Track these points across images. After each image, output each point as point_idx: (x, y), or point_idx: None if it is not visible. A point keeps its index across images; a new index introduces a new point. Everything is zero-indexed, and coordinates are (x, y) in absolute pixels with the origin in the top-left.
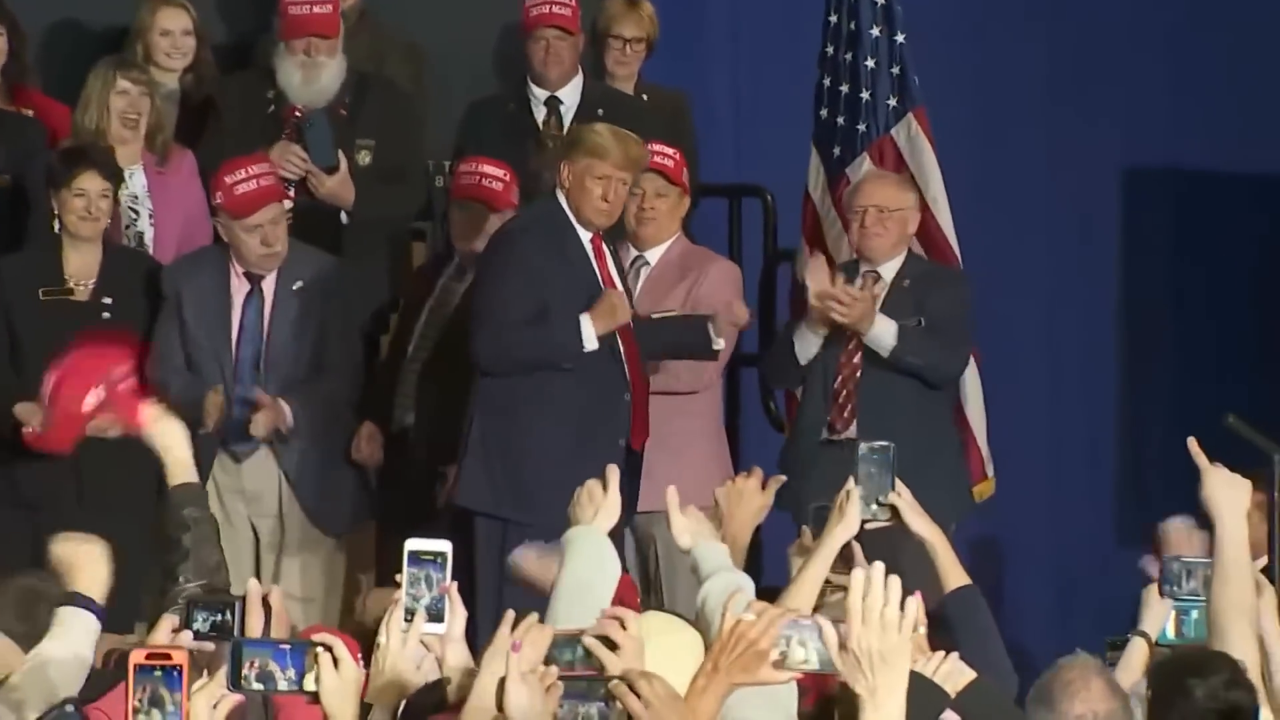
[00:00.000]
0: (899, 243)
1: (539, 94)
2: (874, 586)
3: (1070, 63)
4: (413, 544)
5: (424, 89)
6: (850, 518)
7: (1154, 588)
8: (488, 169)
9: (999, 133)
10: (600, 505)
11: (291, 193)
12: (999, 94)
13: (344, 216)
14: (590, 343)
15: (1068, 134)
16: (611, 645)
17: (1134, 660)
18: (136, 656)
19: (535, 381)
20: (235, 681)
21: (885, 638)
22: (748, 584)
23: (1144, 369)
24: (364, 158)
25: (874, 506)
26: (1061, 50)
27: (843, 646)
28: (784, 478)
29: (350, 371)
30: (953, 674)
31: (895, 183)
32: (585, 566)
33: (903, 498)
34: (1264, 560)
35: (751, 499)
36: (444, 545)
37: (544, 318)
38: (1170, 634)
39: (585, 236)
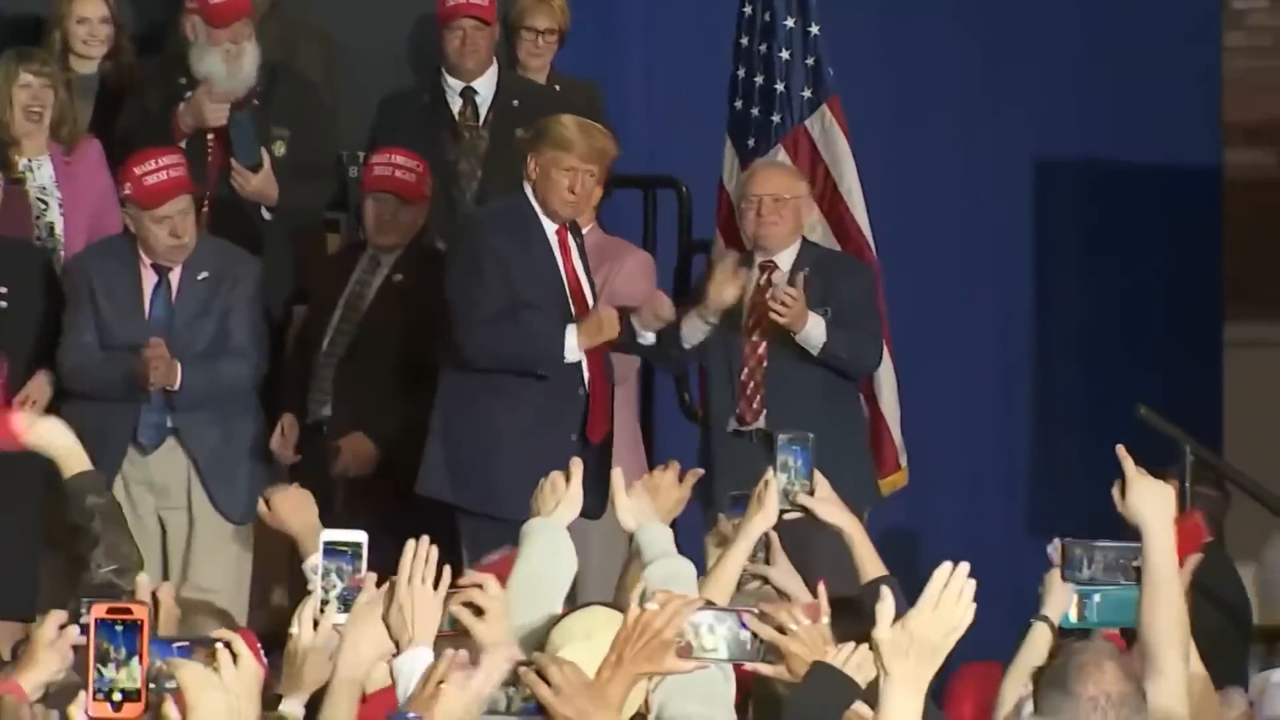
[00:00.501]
0: (794, 231)
1: (454, 85)
2: (956, 580)
3: (982, 55)
4: (327, 535)
5: (335, 79)
6: (769, 507)
7: (1056, 573)
8: (400, 160)
9: (913, 124)
10: (562, 497)
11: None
12: (913, 85)
13: (265, 213)
14: (571, 355)
15: (980, 125)
16: (478, 611)
17: (1036, 645)
18: (98, 611)
19: (493, 374)
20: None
21: (946, 633)
22: (689, 570)
23: (1056, 359)
24: (279, 148)
25: (792, 497)
26: (974, 42)
27: (898, 624)
28: (701, 471)
29: (255, 358)
30: (864, 665)
31: (788, 172)
32: (541, 559)
33: (820, 488)
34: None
35: (669, 492)
36: (359, 536)
37: (515, 312)
38: (1073, 618)
39: (551, 229)
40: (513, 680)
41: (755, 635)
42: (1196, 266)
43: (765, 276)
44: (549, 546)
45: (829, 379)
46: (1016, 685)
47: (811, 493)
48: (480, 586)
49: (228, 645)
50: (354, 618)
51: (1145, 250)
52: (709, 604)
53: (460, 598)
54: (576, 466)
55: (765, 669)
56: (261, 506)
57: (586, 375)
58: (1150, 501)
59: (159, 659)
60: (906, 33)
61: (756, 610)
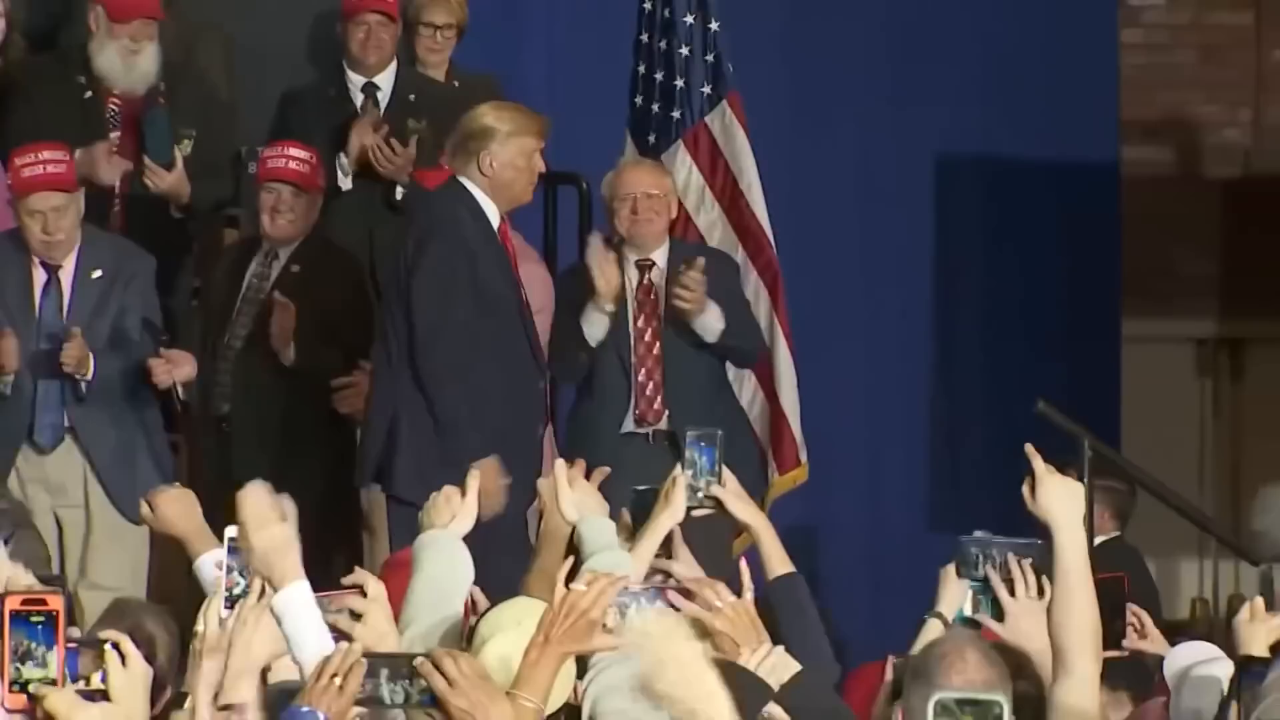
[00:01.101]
0: (667, 227)
1: (356, 80)
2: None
3: (882, 51)
4: (231, 532)
5: (234, 76)
6: (676, 504)
7: (951, 568)
8: (294, 151)
9: (812, 120)
10: (457, 509)
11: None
12: (812, 82)
13: (175, 211)
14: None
15: (880, 122)
16: (356, 615)
17: (928, 640)
18: (11, 603)
19: (453, 371)
20: (18, 681)
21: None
22: (629, 562)
23: (957, 355)
24: (186, 147)
25: (700, 494)
26: (875, 38)
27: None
28: (608, 470)
29: (145, 354)
30: (777, 667)
31: (658, 169)
32: (438, 571)
33: (728, 484)
34: None
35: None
36: None
37: (476, 323)
38: (968, 613)
39: (496, 221)
40: (409, 673)
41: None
42: (1095, 262)
43: (645, 276)
44: (446, 556)
45: (713, 374)
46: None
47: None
48: (361, 588)
49: (116, 646)
50: (240, 621)
51: (1044, 246)
52: (635, 584)
53: (339, 603)
54: (473, 478)
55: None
56: (145, 510)
57: (544, 366)
58: (1060, 500)
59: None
60: (806, 29)
61: (682, 588)
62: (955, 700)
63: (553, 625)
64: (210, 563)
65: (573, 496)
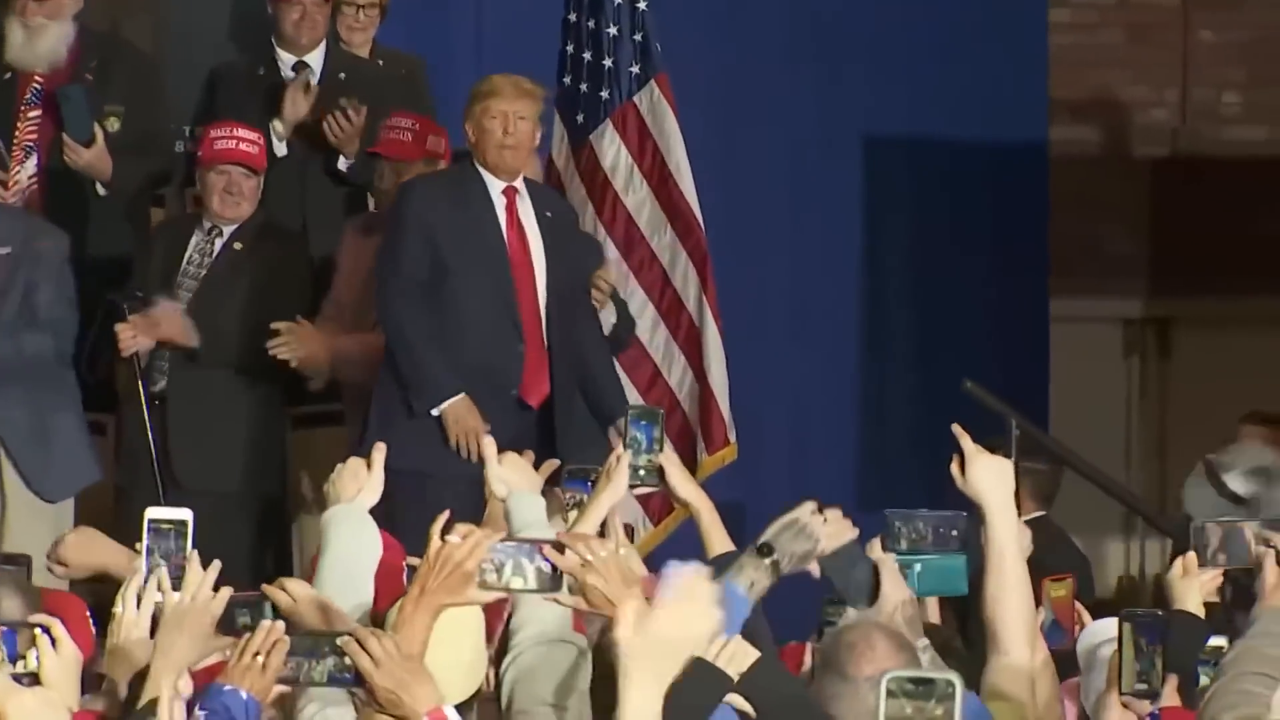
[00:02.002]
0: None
1: (286, 59)
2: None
3: (810, 30)
4: (153, 513)
5: (163, 51)
6: (618, 482)
7: (877, 543)
8: (242, 133)
9: (741, 100)
10: (364, 482)
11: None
12: (740, 61)
13: (100, 188)
14: (436, 410)
15: (808, 101)
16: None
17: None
18: None
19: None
20: None
21: (686, 637)
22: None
23: (885, 334)
24: (113, 124)
25: (641, 471)
26: (802, 18)
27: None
28: (558, 461)
29: (63, 331)
30: (736, 656)
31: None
32: (346, 546)
33: (670, 462)
34: None
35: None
36: (184, 514)
37: (441, 280)
38: None
39: (496, 189)
40: (333, 651)
41: (556, 567)
42: (1023, 242)
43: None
44: (353, 531)
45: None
46: None
47: (661, 467)
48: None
49: (47, 630)
50: (164, 624)
51: (973, 226)
52: (510, 537)
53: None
54: (379, 451)
55: (566, 600)
56: (55, 566)
57: (522, 331)
58: (990, 480)
59: None
60: (734, 8)
61: (555, 541)
62: (909, 679)
63: (428, 576)
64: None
65: (500, 473)
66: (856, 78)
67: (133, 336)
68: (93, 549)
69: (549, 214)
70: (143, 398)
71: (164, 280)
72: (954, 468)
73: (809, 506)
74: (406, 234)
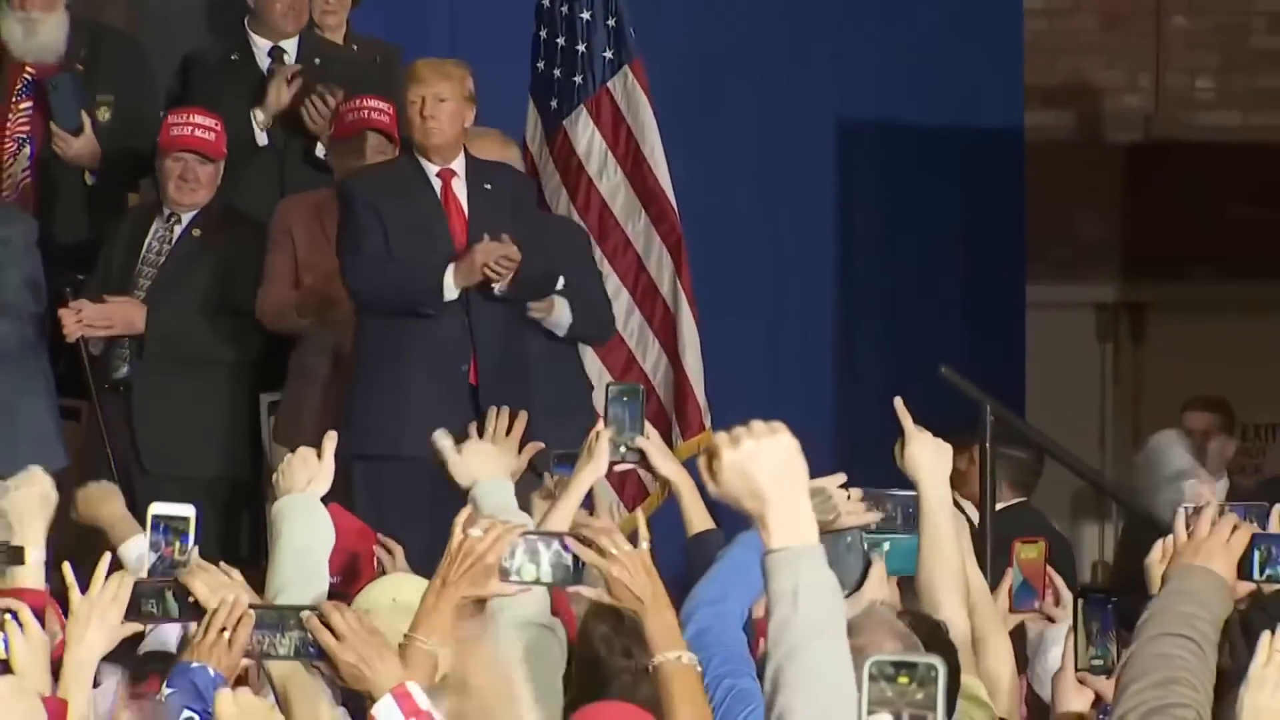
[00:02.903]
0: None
1: (261, 45)
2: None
3: (784, 15)
4: (156, 508)
5: (140, 37)
6: (599, 459)
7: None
8: (199, 119)
9: (715, 85)
10: (314, 471)
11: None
12: (715, 47)
13: (88, 177)
14: (450, 293)
15: (783, 87)
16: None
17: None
18: None
19: (384, 317)
20: None
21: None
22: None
23: (860, 320)
24: (104, 114)
25: (623, 449)
26: (775, 3)
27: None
28: (541, 445)
29: (27, 315)
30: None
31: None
32: (300, 542)
33: (651, 439)
34: None
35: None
36: (187, 510)
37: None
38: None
39: (432, 172)
40: (298, 625)
41: (577, 559)
42: (999, 228)
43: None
44: (305, 521)
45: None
46: None
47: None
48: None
49: (15, 615)
50: (73, 616)
51: (948, 212)
52: (532, 530)
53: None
54: (330, 439)
55: (588, 592)
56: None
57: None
58: (925, 457)
59: None
60: None
61: (578, 534)
62: (890, 663)
63: (450, 569)
64: (134, 548)
65: (459, 462)
66: (831, 64)
67: (76, 322)
68: (103, 506)
69: (487, 186)
70: (91, 384)
71: (125, 267)
72: (896, 447)
73: (838, 479)
74: (360, 220)
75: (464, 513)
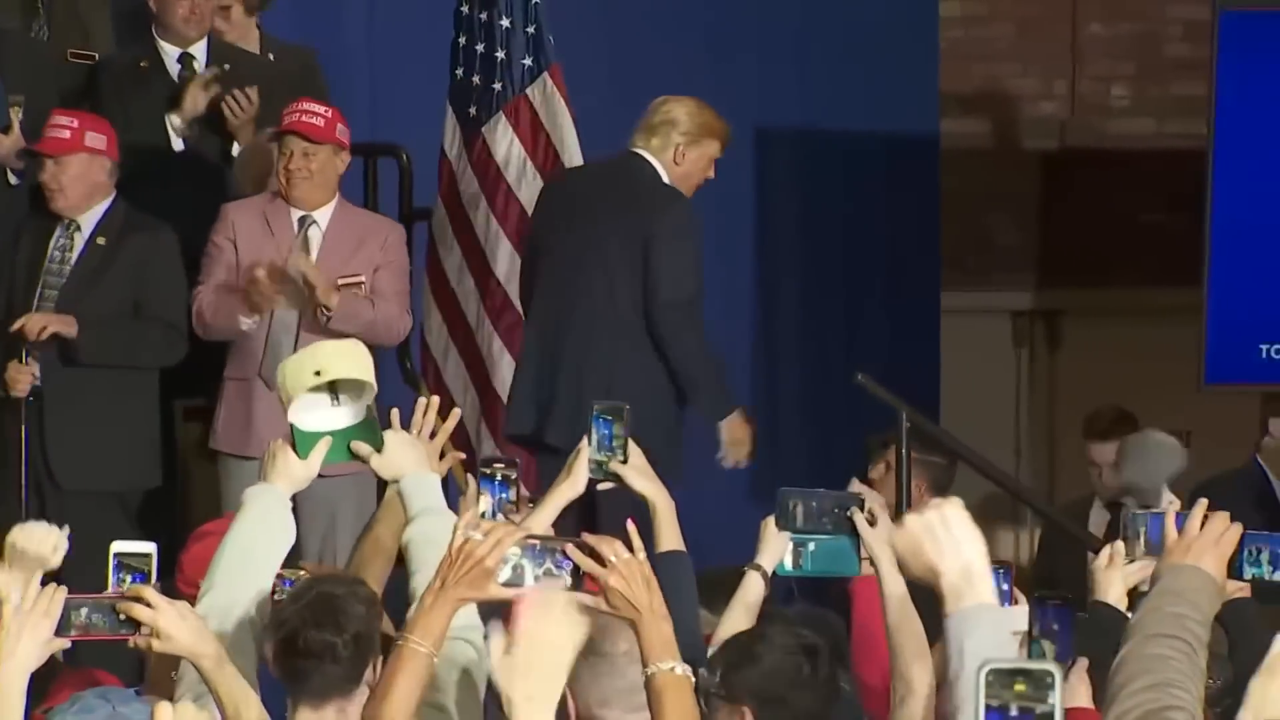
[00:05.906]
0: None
1: (170, 51)
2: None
3: (702, 22)
4: (119, 547)
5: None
6: (578, 476)
7: (771, 521)
8: (59, 119)
9: (634, 92)
10: (295, 471)
11: None
12: (633, 53)
13: (12, 177)
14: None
15: (701, 93)
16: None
17: (749, 592)
18: None
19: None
20: None
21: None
22: (449, 525)
23: (777, 326)
24: (16, 114)
25: (602, 467)
26: (694, 10)
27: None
28: (462, 455)
29: None
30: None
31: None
32: (255, 529)
33: (633, 458)
34: None
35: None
36: (148, 548)
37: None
38: (788, 566)
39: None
40: (110, 608)
41: (576, 567)
42: (915, 235)
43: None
44: (265, 515)
45: None
46: (728, 631)
47: (624, 462)
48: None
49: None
50: (6, 632)
51: (865, 218)
52: (533, 535)
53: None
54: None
55: (585, 599)
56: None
57: None
58: (878, 546)
59: None
60: (627, 0)
61: (579, 542)
62: (1008, 670)
63: (449, 571)
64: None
65: (380, 462)
66: (749, 70)
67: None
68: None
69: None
70: None
71: (29, 278)
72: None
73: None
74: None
75: (465, 514)
